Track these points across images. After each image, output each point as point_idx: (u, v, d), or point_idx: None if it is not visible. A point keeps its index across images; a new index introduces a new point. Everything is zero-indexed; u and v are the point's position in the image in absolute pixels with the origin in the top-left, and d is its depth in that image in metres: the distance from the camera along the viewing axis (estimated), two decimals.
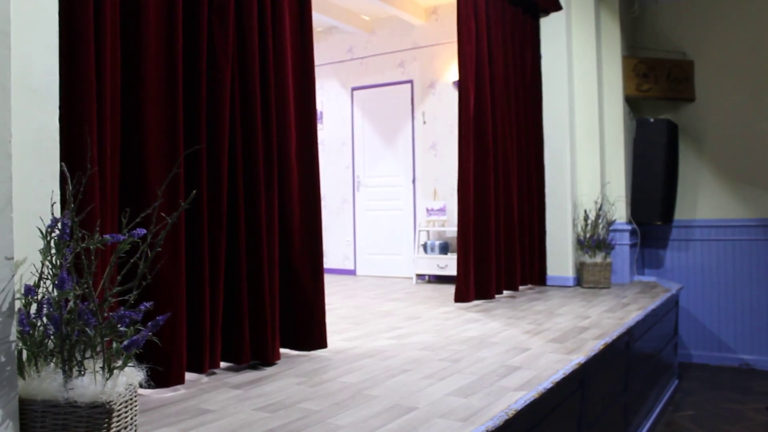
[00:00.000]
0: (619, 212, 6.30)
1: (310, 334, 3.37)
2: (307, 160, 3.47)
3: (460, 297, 5.13)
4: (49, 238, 1.77)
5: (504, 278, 5.59)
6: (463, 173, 5.18)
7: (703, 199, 6.61)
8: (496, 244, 5.39)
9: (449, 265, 6.78)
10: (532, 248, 6.04)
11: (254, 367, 3.07)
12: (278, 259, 3.25)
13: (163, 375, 2.53)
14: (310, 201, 3.48)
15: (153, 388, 2.42)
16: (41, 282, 1.77)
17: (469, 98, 5.23)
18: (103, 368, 1.74)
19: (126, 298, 1.84)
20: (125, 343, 1.77)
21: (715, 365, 6.42)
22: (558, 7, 6.19)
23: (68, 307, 1.73)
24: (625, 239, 6.29)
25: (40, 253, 1.77)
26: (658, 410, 4.94)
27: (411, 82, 7.64)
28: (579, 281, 6.13)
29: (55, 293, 1.73)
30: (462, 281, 5.13)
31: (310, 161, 3.48)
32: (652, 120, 6.40)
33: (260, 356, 3.09)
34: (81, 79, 2.29)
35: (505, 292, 5.66)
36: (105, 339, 1.75)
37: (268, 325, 3.07)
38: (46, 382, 1.70)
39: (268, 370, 3.02)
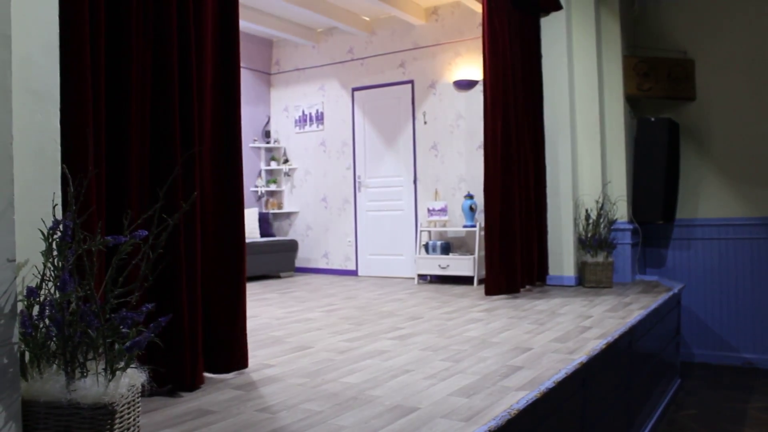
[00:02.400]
0: (621, 211, 6.30)
1: (231, 354, 3.00)
2: (225, 159, 3.06)
3: (489, 291, 5.62)
4: (51, 240, 1.77)
5: (525, 274, 5.89)
6: (489, 176, 5.57)
7: (704, 198, 6.60)
8: (519, 242, 5.74)
9: (451, 265, 6.78)
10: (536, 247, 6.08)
11: (171, 393, 2.67)
12: (200, 271, 2.86)
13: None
14: (229, 209, 3.05)
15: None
16: (43, 284, 1.77)
17: (497, 106, 5.58)
18: (105, 370, 1.74)
19: (128, 299, 1.84)
20: (127, 344, 1.76)
21: (717, 364, 6.41)
22: (558, 7, 6.18)
23: (70, 308, 1.73)
24: (627, 238, 6.28)
25: (42, 255, 1.77)
26: (660, 409, 4.93)
27: (411, 82, 7.64)
28: (581, 281, 6.12)
29: (58, 295, 1.73)
30: (491, 276, 5.62)
31: (232, 161, 3.06)
32: (653, 119, 6.39)
33: (178, 380, 2.71)
34: (79, 81, 2.29)
35: (526, 286, 5.97)
36: (107, 340, 1.75)
37: (187, 347, 2.69)
38: (49, 383, 1.70)
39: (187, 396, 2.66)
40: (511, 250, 5.60)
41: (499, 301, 5.28)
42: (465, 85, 7.18)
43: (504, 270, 5.58)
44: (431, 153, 7.48)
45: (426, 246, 7.11)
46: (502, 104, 5.65)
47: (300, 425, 2.22)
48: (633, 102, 6.72)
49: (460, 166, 7.26)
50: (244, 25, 7.76)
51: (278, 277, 7.87)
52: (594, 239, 5.94)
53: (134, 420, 1.82)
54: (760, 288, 6.26)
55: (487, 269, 5.65)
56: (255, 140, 8.58)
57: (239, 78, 3.15)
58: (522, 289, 5.81)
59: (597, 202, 6.14)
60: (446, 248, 6.98)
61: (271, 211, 8.57)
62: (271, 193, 8.71)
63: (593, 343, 3.46)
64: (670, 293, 5.41)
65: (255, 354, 3.44)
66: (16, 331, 1.67)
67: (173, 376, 2.67)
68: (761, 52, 6.31)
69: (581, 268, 6.08)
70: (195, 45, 2.91)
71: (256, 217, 8.11)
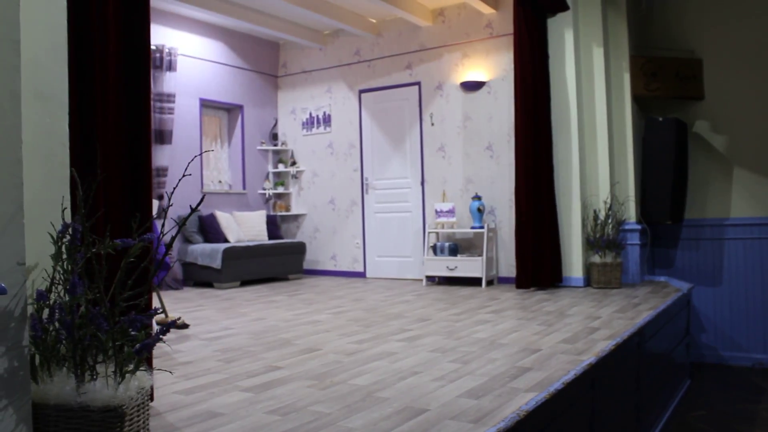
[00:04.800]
0: (629, 212, 6.28)
1: None
2: (134, 155, 2.59)
3: (520, 284, 6.08)
4: (60, 244, 1.77)
5: (552, 270, 6.09)
6: (520, 176, 6.02)
7: (713, 198, 6.57)
8: (548, 239, 6.06)
9: (459, 266, 6.77)
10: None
11: None
12: None
13: None
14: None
15: None
16: (53, 287, 1.78)
17: (527, 111, 5.95)
18: (115, 372, 1.74)
19: (137, 302, 1.85)
20: (137, 347, 1.77)
21: (727, 365, 6.37)
22: (565, 7, 6.17)
23: (80, 311, 1.74)
24: (635, 239, 6.26)
25: (52, 258, 1.78)
26: (670, 410, 4.91)
27: (418, 83, 7.64)
28: (589, 281, 6.10)
29: (67, 298, 1.74)
30: (521, 271, 6.07)
31: (139, 159, 2.61)
32: (660, 119, 6.37)
33: None
34: (87, 84, 2.29)
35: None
36: (116, 343, 1.75)
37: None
38: (59, 386, 1.71)
39: None
40: (542, 245, 5.92)
41: (508, 302, 5.27)
42: (472, 86, 7.17)
43: (535, 265, 5.91)
44: (438, 154, 7.47)
45: (434, 247, 7.11)
46: (532, 109, 5.90)
47: (309, 427, 2.22)
48: (641, 102, 6.70)
49: (467, 167, 7.26)
50: (251, 27, 7.78)
51: (286, 279, 7.88)
52: (602, 240, 5.92)
53: (143, 422, 1.83)
54: None
55: (518, 265, 6.08)
56: (262, 143, 8.60)
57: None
58: (532, 288, 5.99)
59: (605, 202, 6.12)
60: (454, 250, 6.97)
61: (279, 214, 8.58)
62: (279, 196, 8.72)
63: (602, 344, 3.45)
64: (679, 294, 5.38)
65: (264, 356, 3.44)
66: (26, 334, 1.68)
67: None
68: None
69: (589, 268, 6.07)
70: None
71: (264, 219, 8.12)
